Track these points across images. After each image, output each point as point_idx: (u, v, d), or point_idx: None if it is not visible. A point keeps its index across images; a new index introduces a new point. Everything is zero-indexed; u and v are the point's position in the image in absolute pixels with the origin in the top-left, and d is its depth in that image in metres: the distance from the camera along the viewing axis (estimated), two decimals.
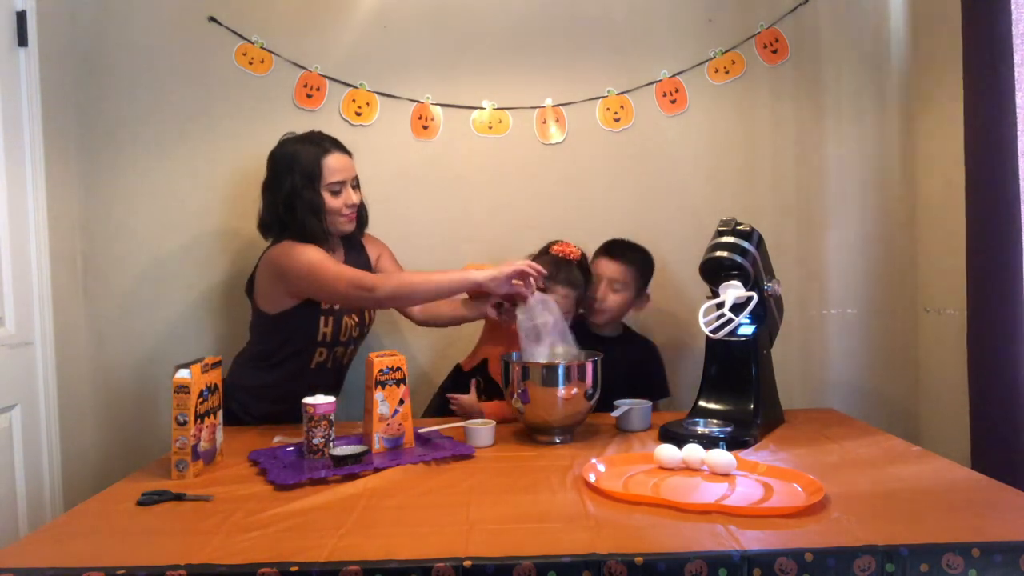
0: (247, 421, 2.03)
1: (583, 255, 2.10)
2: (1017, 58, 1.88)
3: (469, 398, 2.05)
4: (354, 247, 2.16)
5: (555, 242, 2.11)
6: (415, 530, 1.26)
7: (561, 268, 2.04)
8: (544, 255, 2.08)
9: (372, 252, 2.21)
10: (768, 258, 1.94)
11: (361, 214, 2.11)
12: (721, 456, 1.53)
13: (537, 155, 2.45)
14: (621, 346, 2.19)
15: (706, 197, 2.45)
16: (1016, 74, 1.88)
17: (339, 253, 2.10)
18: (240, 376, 2.05)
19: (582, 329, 2.16)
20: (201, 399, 1.59)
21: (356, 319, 2.07)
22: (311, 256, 1.93)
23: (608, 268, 2.18)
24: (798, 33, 2.44)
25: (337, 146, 2.03)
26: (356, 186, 2.06)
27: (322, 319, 1.99)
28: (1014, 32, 1.87)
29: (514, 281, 1.87)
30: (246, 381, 2.05)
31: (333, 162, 1.99)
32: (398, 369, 1.73)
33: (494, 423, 1.83)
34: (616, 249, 2.22)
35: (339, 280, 1.90)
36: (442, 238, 2.45)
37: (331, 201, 1.99)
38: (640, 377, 2.18)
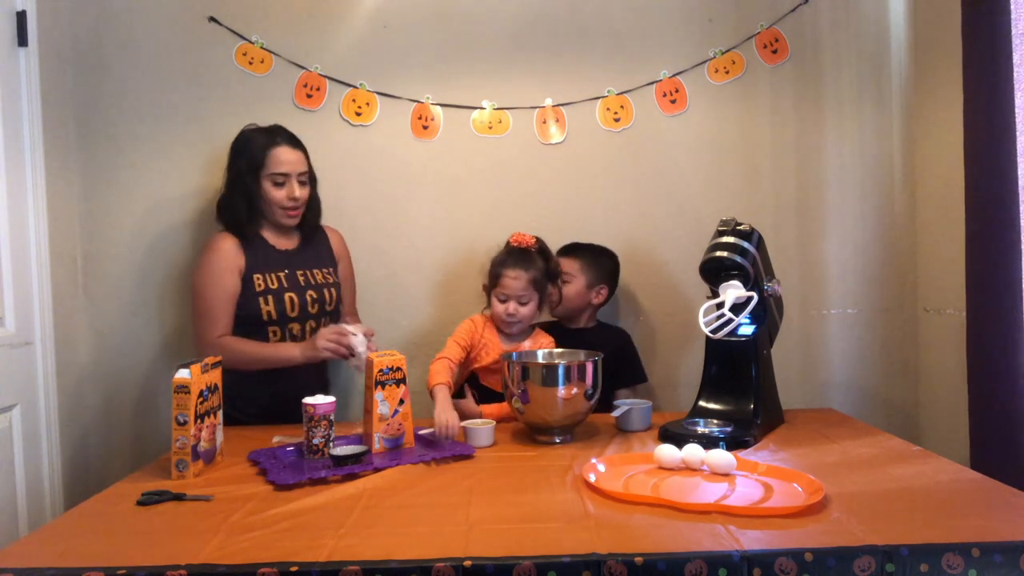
0: (241, 419, 2.02)
1: (538, 240, 2.13)
2: (1016, 58, 1.88)
3: (466, 402, 2.06)
4: (310, 238, 2.20)
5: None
6: (415, 530, 1.26)
7: (511, 254, 2.09)
8: (505, 246, 2.14)
9: (336, 249, 2.26)
10: (768, 258, 1.94)
11: (309, 210, 2.17)
12: (721, 456, 1.53)
13: (537, 155, 2.45)
14: (595, 336, 2.27)
15: (706, 197, 2.45)
16: (1016, 74, 1.88)
17: (293, 240, 2.17)
18: (232, 386, 2.00)
19: (558, 327, 2.29)
20: (201, 399, 1.59)
21: (314, 295, 2.11)
22: (213, 266, 2.05)
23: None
24: (798, 33, 2.44)
25: (289, 140, 2.10)
26: (304, 182, 2.11)
27: (260, 300, 2.05)
28: (1013, 32, 1.87)
29: (325, 351, 1.96)
30: (227, 379, 2.02)
31: (280, 154, 2.06)
32: (398, 369, 1.73)
33: (494, 423, 1.83)
34: (566, 248, 2.31)
35: (201, 307, 2.05)
36: (442, 238, 2.46)
37: (272, 192, 2.07)
38: (617, 363, 2.21)
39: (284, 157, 2.07)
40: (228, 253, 2.06)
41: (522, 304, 2.06)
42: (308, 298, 2.10)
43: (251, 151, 2.07)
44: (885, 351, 2.49)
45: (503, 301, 2.06)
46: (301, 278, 2.12)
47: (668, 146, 2.46)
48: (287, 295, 2.08)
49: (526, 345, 2.10)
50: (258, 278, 2.07)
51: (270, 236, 2.14)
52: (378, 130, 2.43)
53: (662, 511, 1.32)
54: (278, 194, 2.07)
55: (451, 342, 2.09)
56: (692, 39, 2.44)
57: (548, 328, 2.27)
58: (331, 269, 2.22)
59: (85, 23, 2.34)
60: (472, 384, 2.14)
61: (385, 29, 2.42)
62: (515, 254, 2.09)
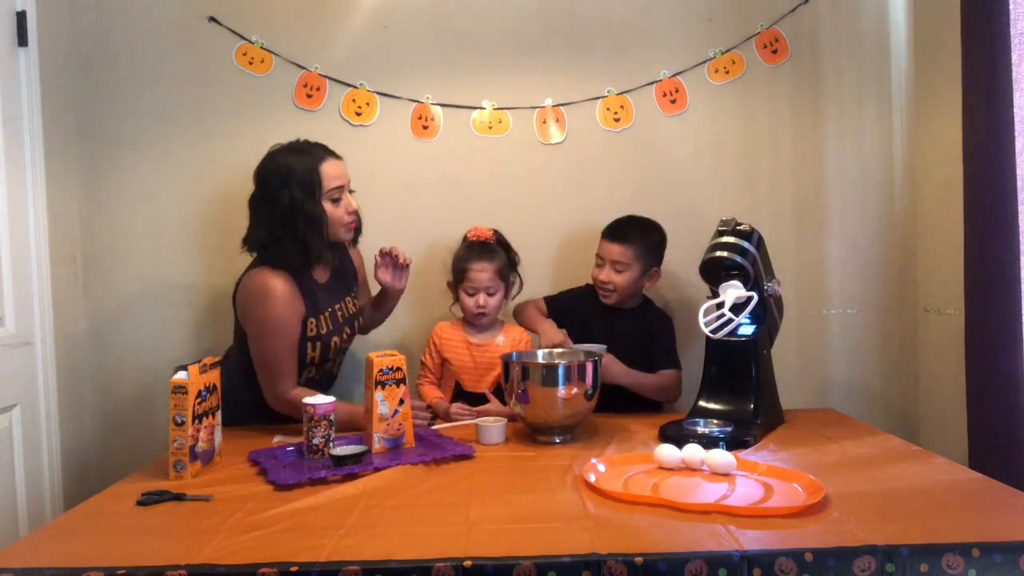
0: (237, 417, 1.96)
1: (496, 232, 2.18)
2: (1016, 58, 1.88)
3: (491, 406, 2.05)
4: (338, 253, 2.07)
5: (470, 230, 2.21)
6: (415, 530, 1.26)
7: (474, 249, 2.14)
8: (463, 242, 2.19)
9: (356, 263, 2.21)
10: (768, 258, 1.94)
11: (358, 221, 2.06)
12: (721, 456, 1.53)
13: (537, 155, 2.45)
14: (638, 315, 2.25)
15: (706, 197, 2.45)
16: (1016, 74, 1.88)
17: (328, 269, 2.04)
18: (231, 388, 1.86)
19: (601, 304, 2.23)
20: (199, 399, 1.58)
21: (348, 331, 2.06)
22: (278, 313, 1.87)
23: (609, 250, 2.18)
24: (798, 33, 2.44)
25: (330, 152, 1.96)
26: (352, 191, 2.01)
27: (308, 345, 1.95)
28: (1013, 32, 1.87)
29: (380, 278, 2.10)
30: (238, 395, 1.92)
31: (330, 169, 1.92)
32: (398, 369, 1.73)
33: (505, 420, 1.84)
34: (617, 230, 2.21)
35: (270, 360, 1.91)
36: (442, 238, 2.45)
37: (332, 210, 1.93)
38: (651, 344, 2.19)
39: (334, 171, 1.92)
40: (289, 299, 1.89)
41: (490, 295, 2.11)
42: (345, 334, 2.04)
43: (299, 175, 1.87)
44: (885, 351, 2.49)
45: (471, 294, 2.11)
46: (340, 314, 2.03)
47: (668, 146, 2.46)
48: (332, 339, 1.98)
49: (499, 340, 2.14)
50: (311, 323, 1.94)
51: (313, 269, 1.99)
52: (378, 130, 2.43)
53: (662, 511, 1.32)
54: (337, 211, 1.92)
55: (422, 361, 2.21)
56: (692, 39, 2.44)
57: (590, 304, 2.24)
58: (355, 290, 2.15)
59: (85, 23, 2.35)
60: (459, 396, 2.14)
61: (385, 29, 2.42)
62: (477, 248, 2.14)
